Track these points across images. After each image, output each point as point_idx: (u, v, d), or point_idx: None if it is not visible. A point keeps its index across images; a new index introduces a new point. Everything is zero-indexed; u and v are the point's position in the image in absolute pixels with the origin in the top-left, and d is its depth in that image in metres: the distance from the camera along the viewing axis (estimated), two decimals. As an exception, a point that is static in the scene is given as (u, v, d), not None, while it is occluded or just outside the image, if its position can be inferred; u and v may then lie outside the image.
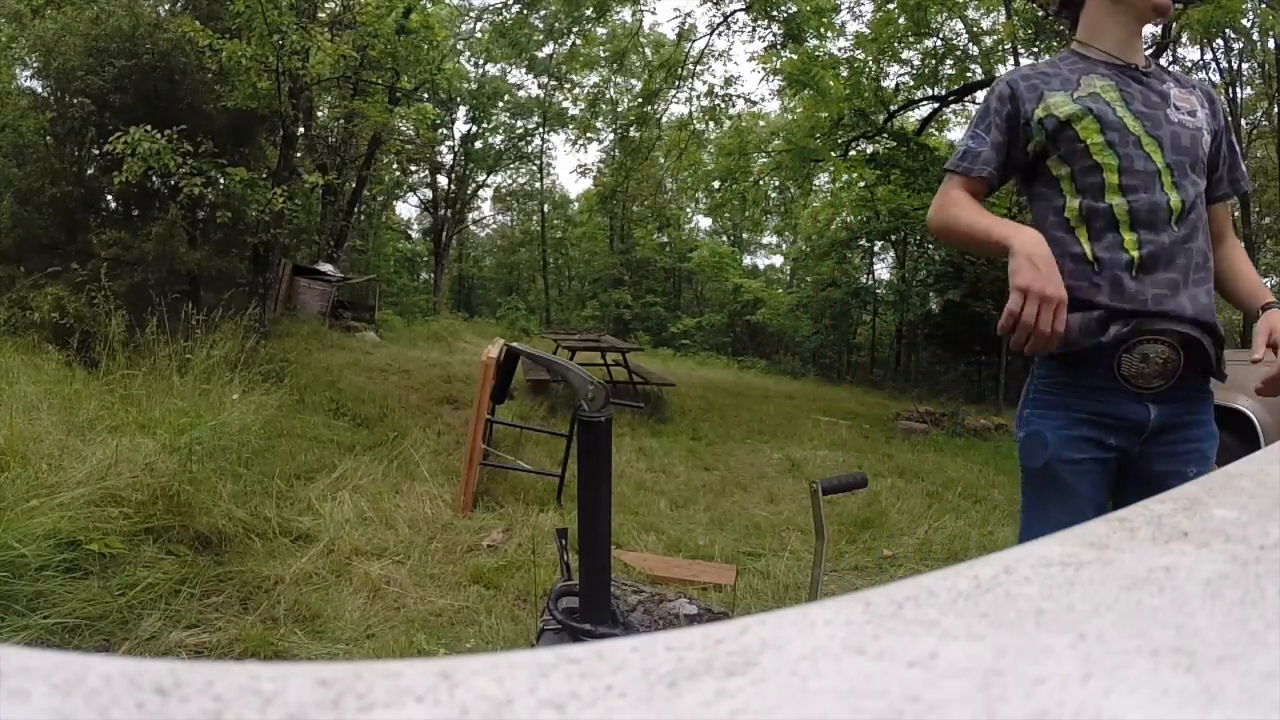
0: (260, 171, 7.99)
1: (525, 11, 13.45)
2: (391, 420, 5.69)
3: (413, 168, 21.93)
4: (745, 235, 25.75)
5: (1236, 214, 12.00)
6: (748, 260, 25.60)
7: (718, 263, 22.01)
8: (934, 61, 14.52)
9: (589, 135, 19.46)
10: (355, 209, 15.54)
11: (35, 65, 7.76)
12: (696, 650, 0.13)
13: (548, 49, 16.94)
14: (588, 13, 13.02)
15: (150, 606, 2.35)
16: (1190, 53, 14.33)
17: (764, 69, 13.68)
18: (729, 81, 14.84)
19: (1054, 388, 1.38)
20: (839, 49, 13.81)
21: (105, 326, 4.81)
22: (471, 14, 16.00)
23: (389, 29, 9.53)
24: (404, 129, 16.84)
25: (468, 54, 19.43)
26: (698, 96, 14.37)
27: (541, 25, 14.51)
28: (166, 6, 8.52)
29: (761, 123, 20.17)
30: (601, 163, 22.71)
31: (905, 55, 14.45)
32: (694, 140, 15.63)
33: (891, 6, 13.05)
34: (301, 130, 11.28)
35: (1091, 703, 0.12)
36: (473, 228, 26.87)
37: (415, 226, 26.04)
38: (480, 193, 25.08)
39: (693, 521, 4.16)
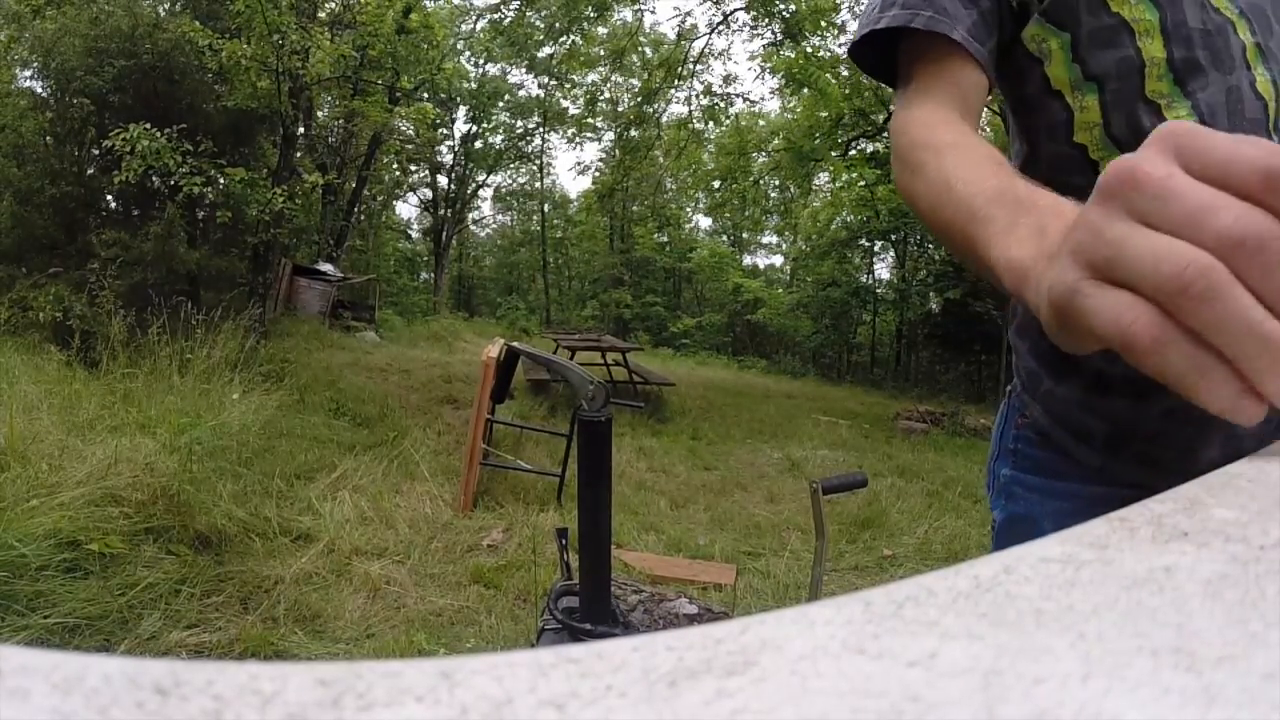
0: (260, 171, 7.99)
1: (524, 10, 13.45)
2: (391, 420, 5.69)
3: (413, 167, 21.94)
4: (745, 235, 25.75)
5: None
6: (748, 260, 25.63)
7: (718, 262, 22.02)
8: (935, 61, 14.51)
9: (585, 134, 19.48)
10: (355, 209, 15.55)
11: (35, 66, 7.76)
12: (696, 650, 0.13)
13: (548, 49, 16.96)
14: (587, 11, 13.01)
15: (150, 606, 2.35)
16: None
17: (761, 67, 13.70)
18: (728, 80, 14.87)
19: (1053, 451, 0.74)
20: (840, 46, 13.82)
21: (106, 326, 4.82)
22: (471, 14, 16.02)
23: (389, 29, 9.52)
24: (404, 129, 16.84)
25: (468, 54, 19.44)
26: (697, 95, 14.39)
27: (541, 24, 14.51)
28: (166, 6, 8.51)
29: (761, 122, 20.18)
30: (601, 161, 22.74)
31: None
32: (693, 139, 15.63)
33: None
34: (301, 130, 11.28)
35: (1091, 702, 0.12)
36: (473, 227, 26.90)
37: (415, 226, 26.08)
38: (480, 192, 25.12)
39: (693, 521, 4.16)
